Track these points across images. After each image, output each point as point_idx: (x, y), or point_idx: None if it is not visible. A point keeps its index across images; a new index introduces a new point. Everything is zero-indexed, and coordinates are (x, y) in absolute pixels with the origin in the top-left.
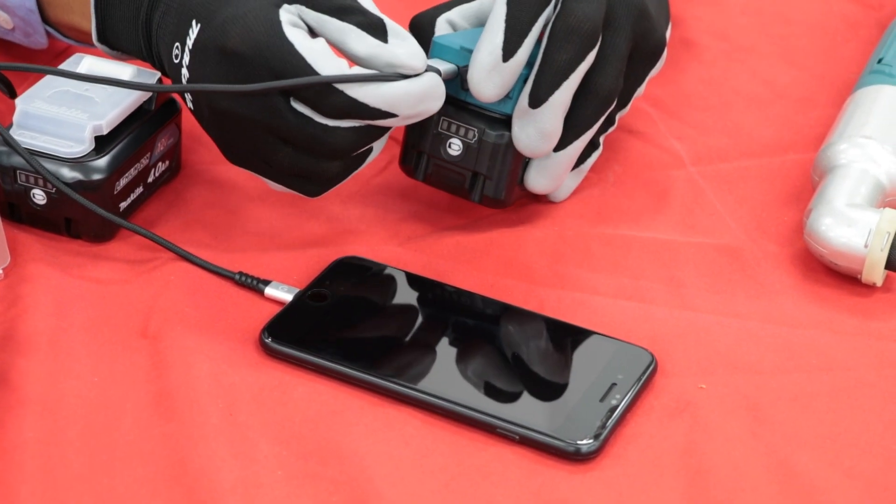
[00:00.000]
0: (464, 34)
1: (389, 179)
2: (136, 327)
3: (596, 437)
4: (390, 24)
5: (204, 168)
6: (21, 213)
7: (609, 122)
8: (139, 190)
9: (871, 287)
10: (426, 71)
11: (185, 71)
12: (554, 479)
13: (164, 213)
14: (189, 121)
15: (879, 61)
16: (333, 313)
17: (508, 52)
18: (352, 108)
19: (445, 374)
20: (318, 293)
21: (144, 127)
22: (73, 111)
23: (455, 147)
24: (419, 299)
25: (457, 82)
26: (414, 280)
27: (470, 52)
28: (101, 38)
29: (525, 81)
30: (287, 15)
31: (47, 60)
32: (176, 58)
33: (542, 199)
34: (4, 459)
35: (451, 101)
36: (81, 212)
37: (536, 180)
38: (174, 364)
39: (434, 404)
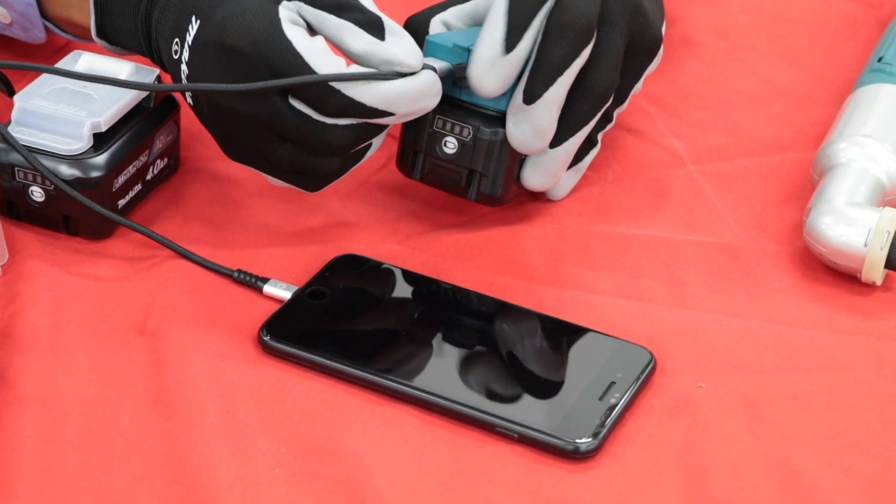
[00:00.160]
0: (457, 33)
1: (388, 177)
2: (135, 325)
3: (595, 435)
4: (388, 22)
5: (202, 165)
6: (19, 211)
7: (606, 119)
8: (137, 187)
9: (870, 286)
10: (422, 69)
11: (184, 67)
12: (552, 477)
13: (162, 210)
14: (187, 118)
15: (879, 60)
16: (332, 311)
17: (510, 44)
18: (349, 107)
19: (444, 373)
20: (316, 291)
21: (143, 124)
22: (71, 108)
23: (450, 145)
24: (418, 297)
25: (451, 80)
26: (412, 278)
27: (464, 49)
28: (100, 34)
29: (520, 79)
30: (286, 12)
31: (46, 56)
32: (175, 54)
33: (540, 198)
34: (2, 457)
35: (445, 99)
36: (80, 209)
37: (533, 177)
38: (172, 361)
39: (433, 402)
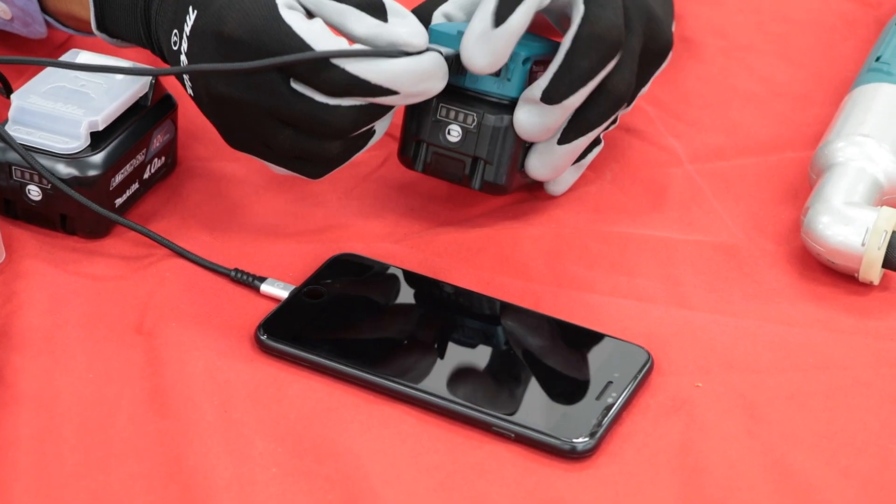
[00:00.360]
0: (462, 23)
1: (386, 176)
2: (132, 324)
3: (592, 435)
4: (389, 3)
5: (200, 164)
6: (16, 210)
7: (613, 120)
8: (135, 186)
9: (868, 285)
10: (429, 50)
11: (183, 58)
12: (549, 477)
13: (159, 209)
14: (185, 117)
15: (877, 59)
16: (329, 310)
17: (500, 17)
18: (352, 85)
19: (441, 372)
20: (313, 290)
21: (140, 123)
22: (68, 107)
23: (454, 133)
24: (415, 297)
25: (455, 68)
26: (410, 277)
27: None
28: (100, 27)
29: (524, 63)
30: None
31: (47, 52)
32: (175, 45)
33: (539, 196)
34: None
35: (449, 87)
36: (77, 208)
37: (536, 166)
38: (169, 361)
39: (429, 402)
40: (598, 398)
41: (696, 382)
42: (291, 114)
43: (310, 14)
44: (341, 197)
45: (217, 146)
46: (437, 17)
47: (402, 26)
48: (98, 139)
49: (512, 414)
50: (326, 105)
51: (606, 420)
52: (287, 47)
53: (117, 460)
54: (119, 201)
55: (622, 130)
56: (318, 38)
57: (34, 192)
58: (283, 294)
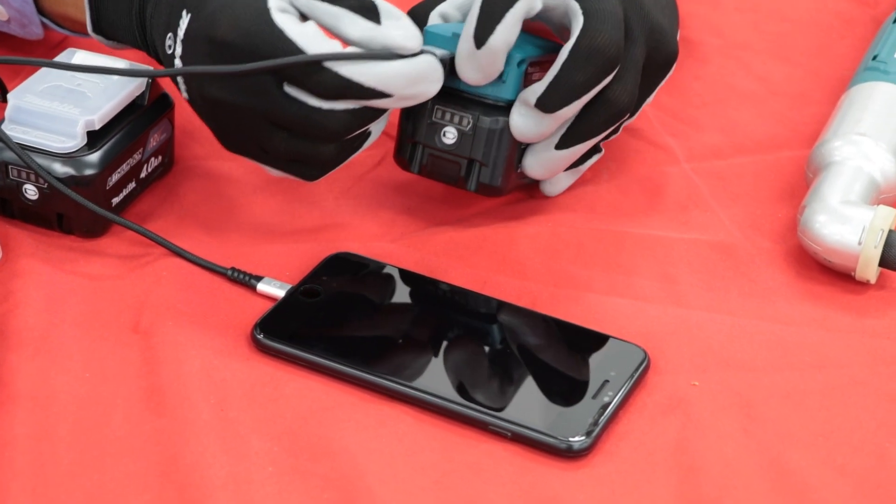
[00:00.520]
0: (457, 24)
1: (383, 175)
2: (128, 323)
3: (588, 434)
4: (381, 5)
5: (197, 163)
6: (13, 209)
7: (614, 129)
8: (132, 185)
9: (864, 284)
10: (423, 53)
11: (177, 61)
12: (546, 476)
13: (156, 208)
14: (182, 116)
15: (874, 58)
16: (326, 309)
17: (480, 38)
18: (346, 88)
19: (437, 371)
20: (310, 289)
21: (137, 122)
22: (65, 106)
23: (450, 135)
24: (412, 296)
25: (450, 70)
26: (407, 276)
27: None
28: (96, 29)
29: (518, 65)
30: (276, 1)
31: (43, 52)
32: (169, 48)
33: (536, 196)
34: None
35: (444, 89)
36: (73, 207)
37: (532, 166)
38: (166, 360)
39: (426, 401)
40: (594, 397)
41: (693, 381)
42: (285, 117)
43: (303, 17)
44: (338, 196)
45: (214, 145)
46: (434, 18)
47: (396, 29)
48: (95, 138)
49: (508, 413)
50: (320, 108)
51: (603, 419)
52: (279, 51)
53: (113, 459)
54: (116, 200)
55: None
56: (311, 41)
57: (31, 192)
58: (280, 293)
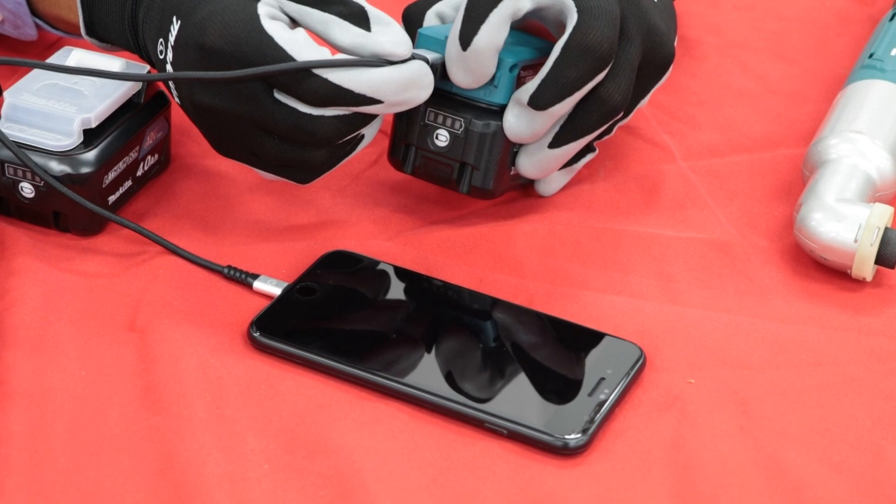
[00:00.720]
0: (450, 26)
1: (379, 173)
2: (124, 321)
3: (584, 431)
4: (371, 11)
5: (193, 162)
6: (9, 207)
7: (607, 129)
8: (128, 183)
9: (860, 282)
10: (413, 59)
11: (169, 67)
12: (542, 473)
13: (153, 206)
14: (178, 114)
15: (871, 56)
16: (322, 307)
17: (464, 40)
18: (335, 95)
19: (434, 369)
20: (306, 287)
21: (133, 120)
22: (61, 104)
23: (442, 138)
24: (408, 294)
25: (443, 73)
26: (403, 274)
27: None
28: (89, 32)
29: (511, 70)
30: (266, 8)
31: (38, 52)
32: (161, 53)
33: (532, 194)
34: None
35: (437, 91)
36: (70, 205)
37: (525, 165)
38: (162, 357)
39: (422, 399)
40: (590, 395)
41: (689, 379)
42: (275, 124)
43: (294, 23)
44: (334, 194)
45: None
46: (430, 17)
47: (386, 35)
48: (91, 136)
49: (504, 410)
50: (310, 115)
51: (599, 416)
52: (269, 58)
53: (109, 457)
54: (112, 199)
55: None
56: (301, 48)
57: (27, 190)
58: (276, 291)
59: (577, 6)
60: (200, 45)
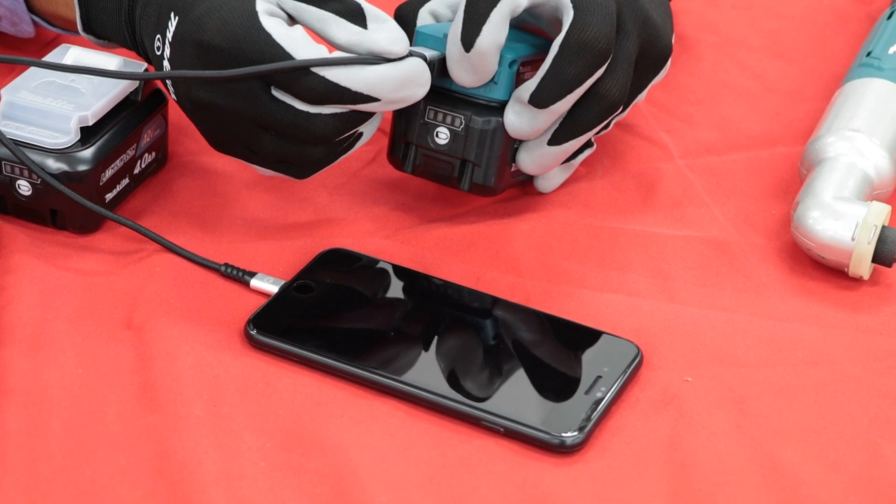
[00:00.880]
0: (448, 24)
1: (377, 171)
2: (121, 318)
3: (580, 429)
4: (368, 9)
5: (190, 159)
6: (6, 205)
7: (606, 124)
8: (125, 181)
9: (858, 280)
10: (411, 56)
11: (166, 63)
12: (538, 471)
13: (150, 204)
14: (176, 112)
15: (868, 55)
16: (319, 305)
17: (467, 42)
18: (332, 93)
19: (430, 367)
20: (303, 285)
21: (131, 118)
22: (58, 102)
23: (442, 135)
24: (405, 292)
25: (441, 70)
26: (400, 272)
27: None
28: (86, 29)
29: (510, 66)
30: (264, 4)
31: (35, 49)
32: (158, 50)
33: (530, 193)
34: None
35: (436, 89)
36: (67, 203)
37: (525, 162)
38: (159, 355)
39: (419, 396)
40: (587, 392)
41: (686, 377)
42: (272, 121)
43: (292, 20)
44: (332, 192)
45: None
46: (424, 15)
47: (382, 32)
48: (88, 134)
49: (501, 408)
50: (307, 113)
51: (595, 414)
52: (266, 55)
53: (106, 454)
54: (109, 196)
55: (614, 126)
56: (299, 45)
57: (24, 188)
58: (273, 289)
59: (572, 3)
60: (198, 42)
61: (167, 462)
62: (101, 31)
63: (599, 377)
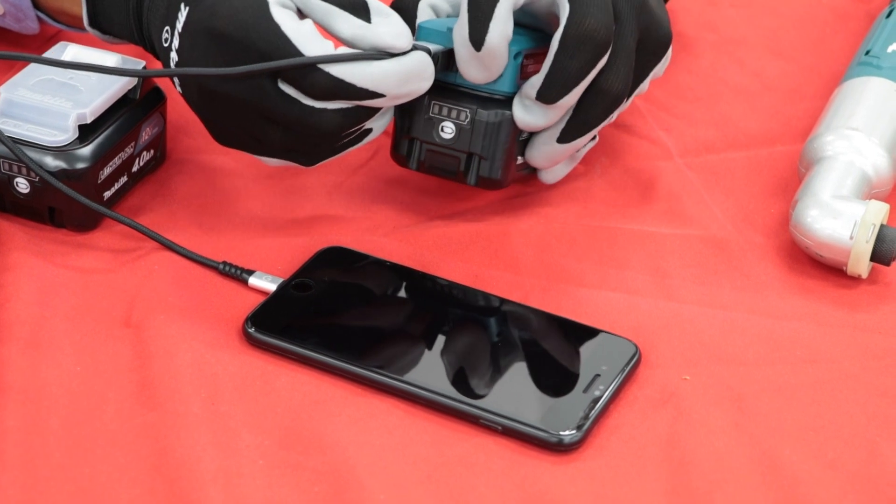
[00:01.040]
0: (451, 19)
1: (375, 169)
2: (120, 316)
3: (579, 427)
4: (372, 2)
5: (189, 157)
6: (4, 202)
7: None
8: (123, 179)
9: (856, 279)
10: (414, 50)
11: (174, 55)
12: (536, 469)
13: (148, 202)
14: (174, 110)
15: (867, 53)
16: (317, 303)
17: (477, 40)
18: (338, 89)
19: (428, 365)
20: (302, 283)
21: (129, 116)
22: (56, 99)
23: (448, 130)
24: (404, 290)
25: (445, 65)
26: (399, 271)
27: None
28: (92, 23)
29: (515, 58)
30: None
31: (35, 47)
32: (166, 41)
33: (529, 191)
34: None
35: (440, 84)
36: (65, 201)
37: (533, 157)
38: (157, 353)
39: (417, 394)
40: (585, 391)
41: (684, 375)
42: (279, 114)
43: (300, 12)
44: (330, 190)
45: (206, 139)
46: (423, 8)
47: (386, 27)
48: (86, 132)
49: (499, 406)
50: (313, 108)
51: (594, 413)
52: (274, 47)
53: (104, 452)
54: (108, 194)
55: (612, 125)
56: (306, 39)
57: (22, 185)
58: (272, 287)
59: None
60: (210, 29)
61: (165, 460)
62: (106, 26)
63: (598, 375)
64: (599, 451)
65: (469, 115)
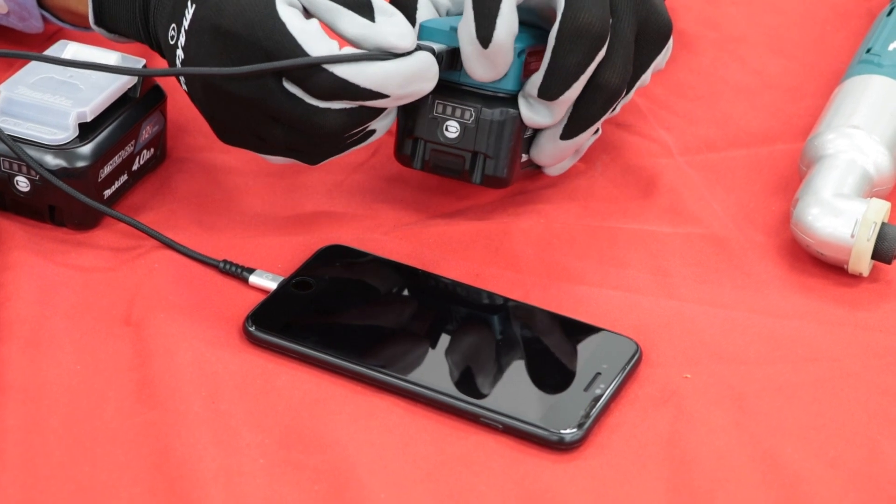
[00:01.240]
0: (454, 18)
1: (376, 168)
2: (120, 315)
3: (580, 426)
4: (376, 2)
5: (189, 156)
6: (4, 201)
7: (613, 108)
8: (124, 177)
9: (857, 277)
10: (418, 50)
11: (179, 52)
12: (537, 468)
13: (148, 200)
14: (174, 108)
15: (868, 51)
16: (318, 302)
17: (484, 38)
18: (341, 89)
19: (429, 363)
20: (302, 282)
21: (129, 114)
22: (57, 98)
23: (452, 129)
24: (404, 288)
25: (448, 64)
26: (399, 269)
27: None
28: (98, 22)
29: (518, 56)
30: None
31: (36, 45)
32: (172, 39)
33: (530, 189)
34: None
35: (443, 83)
36: (65, 199)
37: (540, 156)
38: (157, 352)
39: (417, 393)
40: (586, 389)
41: (685, 374)
42: (283, 113)
43: (306, 11)
44: (331, 188)
45: (206, 138)
46: (424, 6)
47: (390, 26)
48: (86, 130)
49: (500, 404)
50: (317, 108)
51: (594, 411)
52: (280, 46)
53: (104, 451)
54: (108, 193)
55: (612, 123)
56: (312, 39)
57: (22, 184)
58: (272, 285)
59: None
60: (216, 26)
61: (166, 458)
62: (112, 24)
63: (598, 374)
64: (600, 450)
65: (474, 113)
